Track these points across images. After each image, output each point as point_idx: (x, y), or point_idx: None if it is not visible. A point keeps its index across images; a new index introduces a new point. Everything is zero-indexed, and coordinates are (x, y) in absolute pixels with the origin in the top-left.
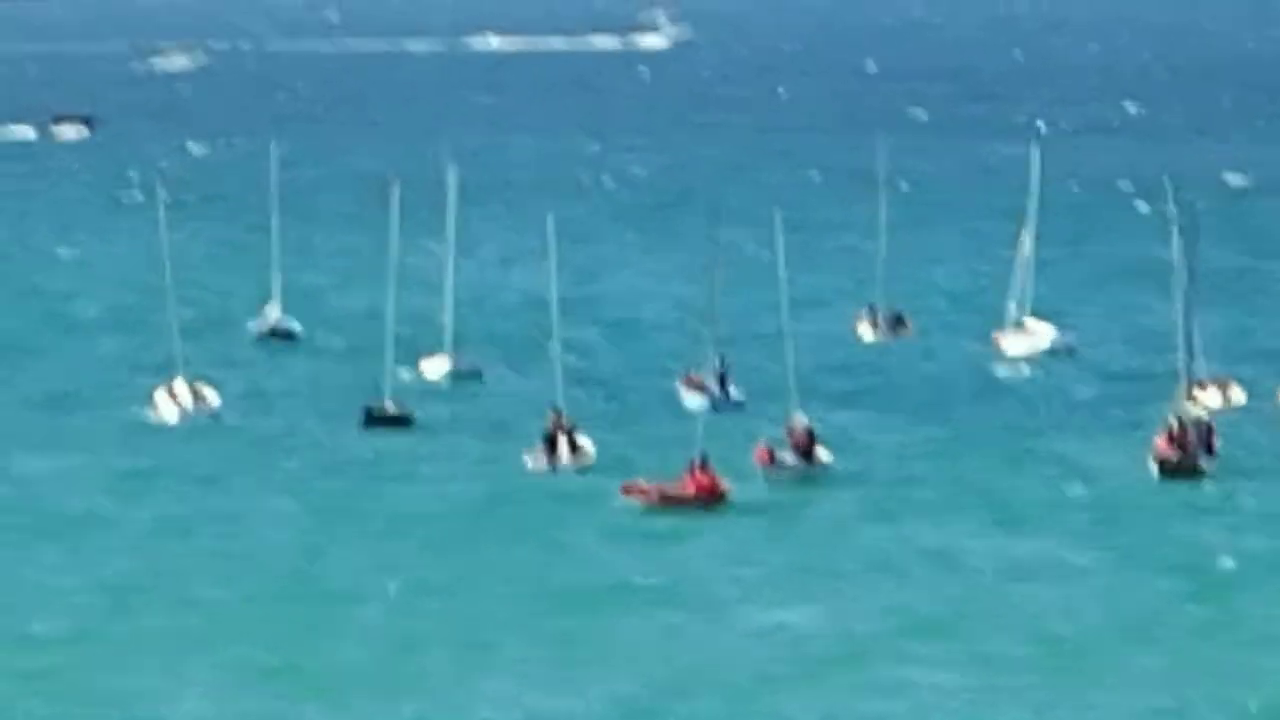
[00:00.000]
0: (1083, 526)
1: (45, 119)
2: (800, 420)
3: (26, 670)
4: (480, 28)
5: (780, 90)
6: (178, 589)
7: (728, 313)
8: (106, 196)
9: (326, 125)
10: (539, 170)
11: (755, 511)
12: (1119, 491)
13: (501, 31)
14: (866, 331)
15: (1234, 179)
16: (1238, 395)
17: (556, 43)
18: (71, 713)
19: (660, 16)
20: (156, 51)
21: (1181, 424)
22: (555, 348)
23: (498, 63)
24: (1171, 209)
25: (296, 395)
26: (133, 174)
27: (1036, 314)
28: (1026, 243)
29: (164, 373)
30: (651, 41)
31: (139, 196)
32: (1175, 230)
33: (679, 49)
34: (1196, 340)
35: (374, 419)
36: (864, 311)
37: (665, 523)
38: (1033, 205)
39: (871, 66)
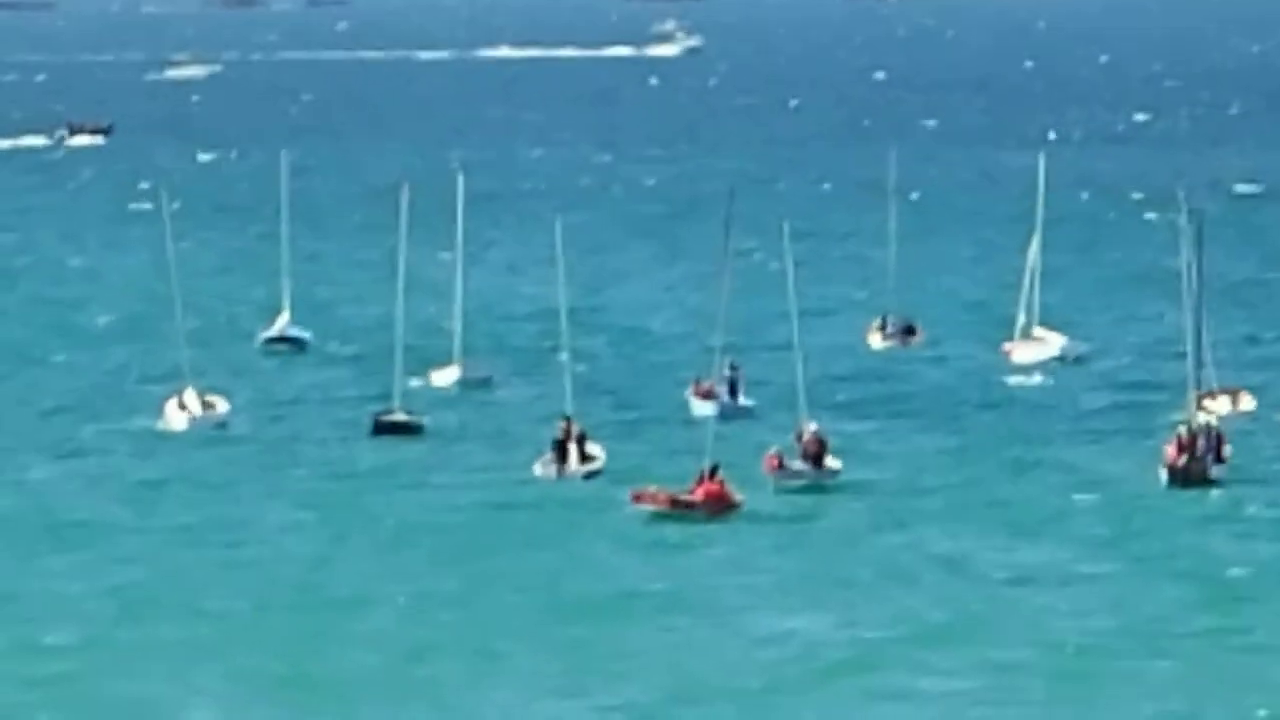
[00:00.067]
0: (1092, 534)
1: (59, 128)
2: (810, 428)
3: (36, 678)
4: (493, 39)
5: (791, 100)
6: (187, 597)
7: (738, 321)
8: (118, 205)
9: (337, 135)
10: (549, 180)
11: (765, 519)
12: (1129, 499)
13: (514, 42)
14: (876, 340)
15: (1243, 187)
16: (1247, 403)
17: (569, 53)
18: None
19: (671, 25)
20: (170, 62)
21: (1191, 432)
22: (565, 356)
23: (509, 73)
24: (1181, 217)
25: (306, 404)
26: (144, 183)
27: (1046, 323)
28: (1034, 251)
29: (174, 382)
30: (663, 51)
31: (150, 205)
32: (1185, 238)
33: (690, 59)
34: (1206, 348)
35: (383, 427)
36: (875, 320)
37: (675, 530)
38: (1040, 214)
39: (881, 76)
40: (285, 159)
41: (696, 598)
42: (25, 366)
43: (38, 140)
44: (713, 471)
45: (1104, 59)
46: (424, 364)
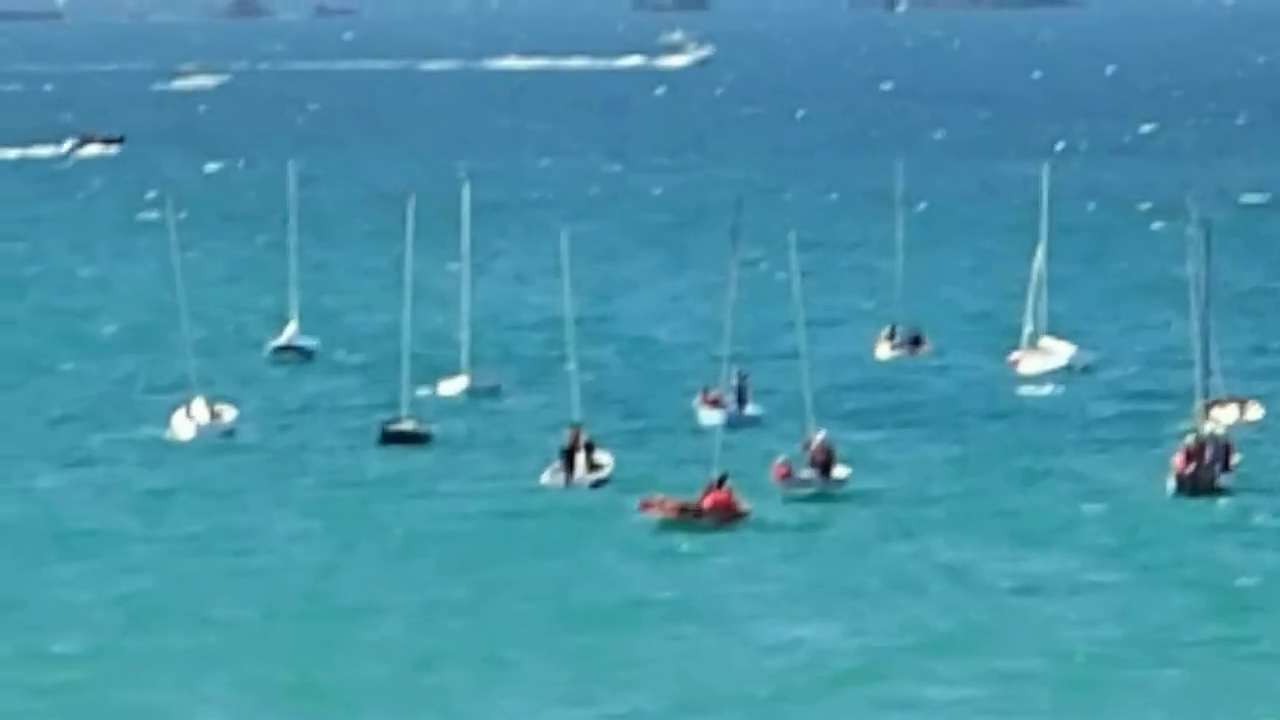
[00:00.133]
0: (1100, 543)
1: (70, 139)
2: (818, 437)
3: (44, 686)
4: (500, 49)
5: (798, 111)
6: (195, 606)
7: (745, 330)
8: (126, 215)
9: (344, 145)
10: (557, 189)
11: (773, 528)
12: (1136, 508)
13: (521, 53)
14: (884, 349)
15: (1250, 197)
16: (1255, 412)
17: (579, 63)
18: None
19: (678, 36)
20: (178, 72)
21: (1199, 441)
22: (573, 365)
23: (516, 83)
24: (1188, 227)
25: (313, 413)
26: (152, 193)
27: (1054, 332)
28: (1039, 261)
29: (181, 391)
30: (675, 61)
31: (158, 215)
32: (1192, 248)
33: (697, 69)
34: (1213, 357)
35: (391, 437)
36: (882, 330)
37: (683, 539)
38: (1044, 224)
39: (888, 86)
40: (293, 169)
41: (704, 606)
42: (33, 375)
43: (46, 150)
44: (721, 481)
45: (1110, 70)
46: (432, 373)
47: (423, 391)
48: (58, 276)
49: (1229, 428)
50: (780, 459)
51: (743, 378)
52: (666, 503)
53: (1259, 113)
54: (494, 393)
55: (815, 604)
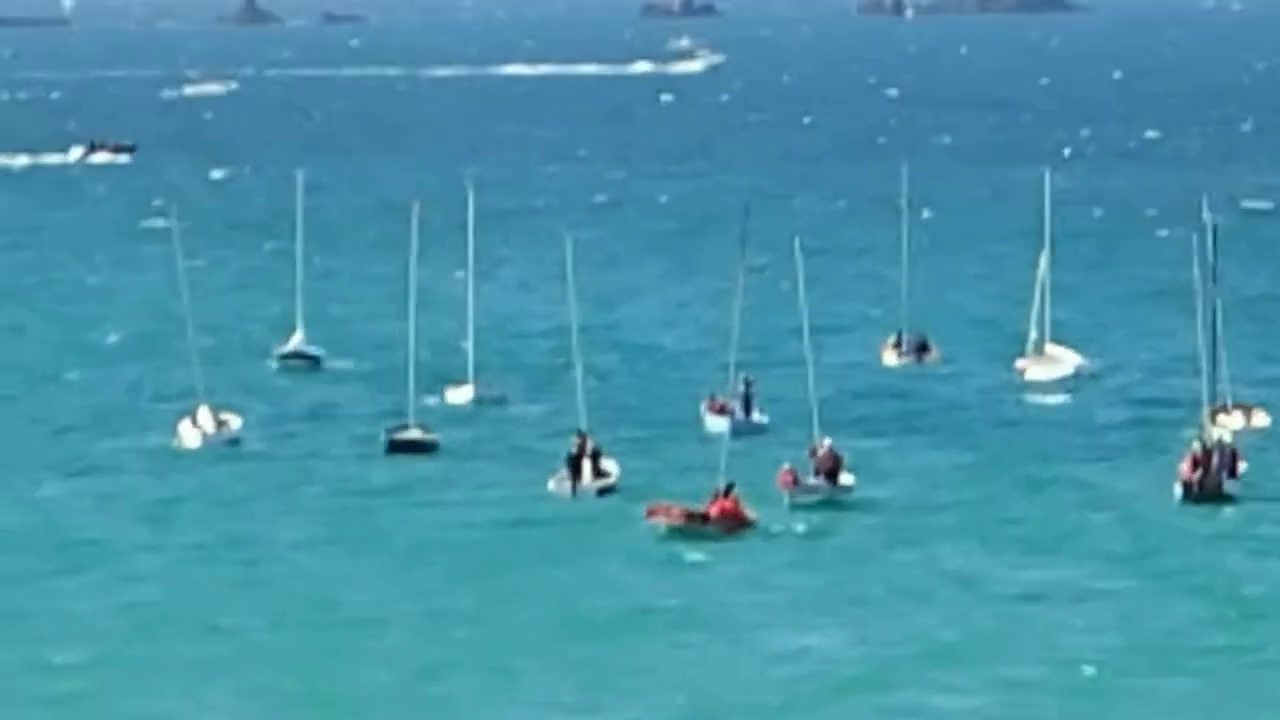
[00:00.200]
0: (1106, 551)
1: (81, 146)
2: (824, 444)
3: (50, 696)
4: (508, 56)
5: (805, 117)
6: (201, 615)
7: (752, 338)
8: (132, 223)
9: (351, 152)
10: (564, 196)
11: (779, 536)
12: (1143, 516)
13: (529, 60)
14: (891, 357)
15: (1257, 202)
16: (1261, 419)
17: (589, 69)
18: None
19: (686, 42)
20: (187, 79)
21: (1205, 448)
22: (579, 373)
23: (523, 90)
24: (1194, 233)
25: (320, 421)
26: (158, 200)
27: (1060, 339)
28: (1044, 267)
29: (187, 399)
30: (687, 68)
31: (165, 223)
32: (1198, 255)
33: (705, 75)
34: (1220, 364)
35: (398, 446)
36: (889, 337)
37: (689, 547)
38: (1048, 230)
39: (895, 93)
40: (300, 176)
41: (711, 614)
42: (39, 384)
43: (53, 157)
44: (727, 490)
45: (1117, 75)
46: (438, 381)
47: (429, 400)
48: (63, 284)
49: (1235, 434)
50: (786, 466)
51: (749, 385)
52: (673, 510)
53: (1266, 118)
54: (500, 401)
55: (821, 612)
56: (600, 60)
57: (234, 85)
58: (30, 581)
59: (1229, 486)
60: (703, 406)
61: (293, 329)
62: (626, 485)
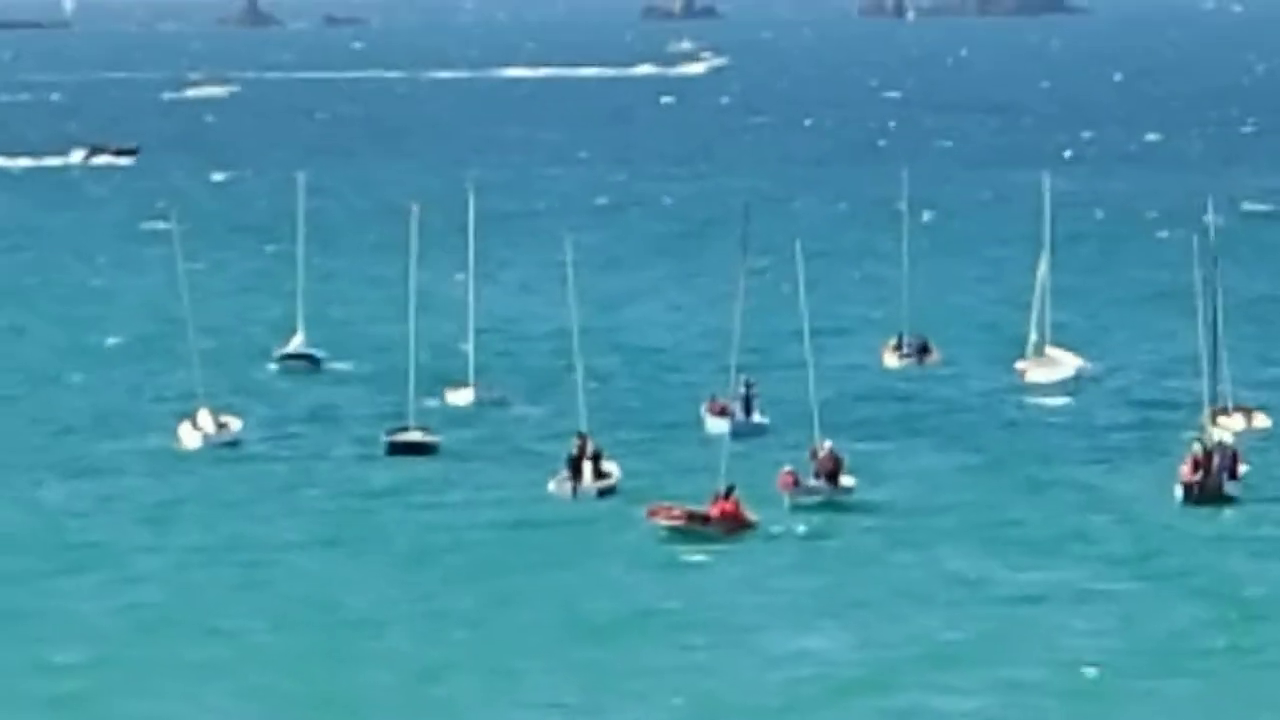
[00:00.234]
0: (1107, 553)
1: (83, 149)
2: (825, 446)
3: (51, 697)
4: (509, 59)
5: (805, 120)
6: (201, 616)
7: (753, 339)
8: (133, 225)
9: (353, 154)
10: (565, 199)
11: (780, 537)
12: (1143, 518)
13: (531, 62)
14: (892, 359)
15: (1257, 205)
16: (1261, 421)
17: (592, 72)
18: None
19: (687, 45)
20: (189, 81)
21: (1206, 449)
22: (580, 375)
23: (524, 92)
24: (1195, 235)
25: (320, 423)
26: (159, 202)
27: (1061, 341)
28: (1043, 269)
29: (188, 401)
30: (690, 70)
31: (166, 225)
32: (1199, 257)
33: (705, 78)
34: (1220, 366)
35: (398, 448)
36: (890, 339)
37: (690, 549)
38: (1047, 232)
39: (896, 95)
40: (302, 179)
41: (711, 616)
42: (40, 385)
43: (55, 160)
44: (728, 492)
45: (1118, 77)
46: (439, 383)
47: (430, 402)
48: (64, 286)
49: (1236, 436)
50: (787, 468)
51: (749, 386)
52: (674, 510)
53: (1266, 120)
54: (501, 402)
55: (822, 614)
56: (602, 63)
57: (236, 88)
58: (31, 582)
59: (1230, 488)
60: (703, 408)
61: (293, 331)
62: (627, 487)
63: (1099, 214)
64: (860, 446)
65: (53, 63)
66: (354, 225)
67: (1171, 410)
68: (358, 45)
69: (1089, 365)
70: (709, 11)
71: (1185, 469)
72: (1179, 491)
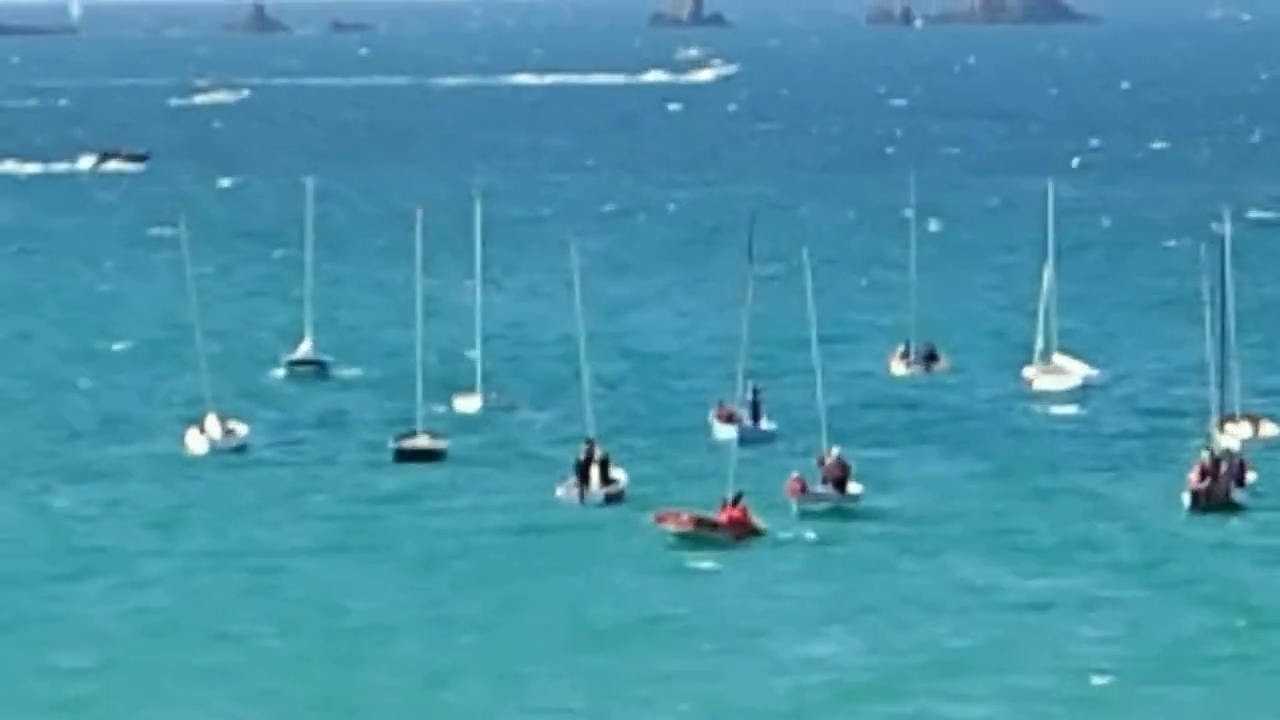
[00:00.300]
0: (1115, 560)
1: (93, 155)
2: (833, 452)
3: (58, 701)
4: (517, 65)
5: (813, 127)
6: (209, 621)
7: (760, 346)
8: (141, 230)
9: (360, 160)
10: (572, 205)
11: (788, 544)
12: (1151, 525)
13: (538, 69)
14: (899, 366)
15: (1265, 213)
16: (1269, 429)
17: (598, 80)
18: None
19: (695, 52)
20: (196, 88)
21: (1214, 457)
22: (587, 381)
23: (532, 99)
24: (1202, 243)
25: (328, 429)
26: (167, 208)
27: (1067, 349)
28: (1048, 277)
29: (195, 406)
30: (701, 76)
31: (173, 231)
32: (1207, 264)
33: (713, 86)
34: (1228, 374)
35: (406, 454)
36: (897, 346)
37: (697, 555)
38: (1051, 239)
39: (904, 102)
40: (310, 185)
41: (719, 622)
42: (49, 390)
43: (62, 165)
44: (736, 499)
45: (1125, 85)
46: (446, 389)
47: (437, 408)
48: (73, 291)
49: (1244, 444)
50: (794, 474)
51: (757, 393)
52: (682, 515)
53: (1273, 129)
54: (508, 408)
55: (830, 620)
56: (610, 70)
57: (245, 94)
58: (38, 586)
59: (1237, 496)
60: (711, 414)
61: (301, 336)
62: (634, 493)
63: (1106, 222)
64: (868, 453)
65: (60, 68)
66: (361, 231)
67: (1179, 418)
68: (364, 51)
69: (1096, 373)
70: (717, 19)
71: (1193, 476)
72: (1186, 499)
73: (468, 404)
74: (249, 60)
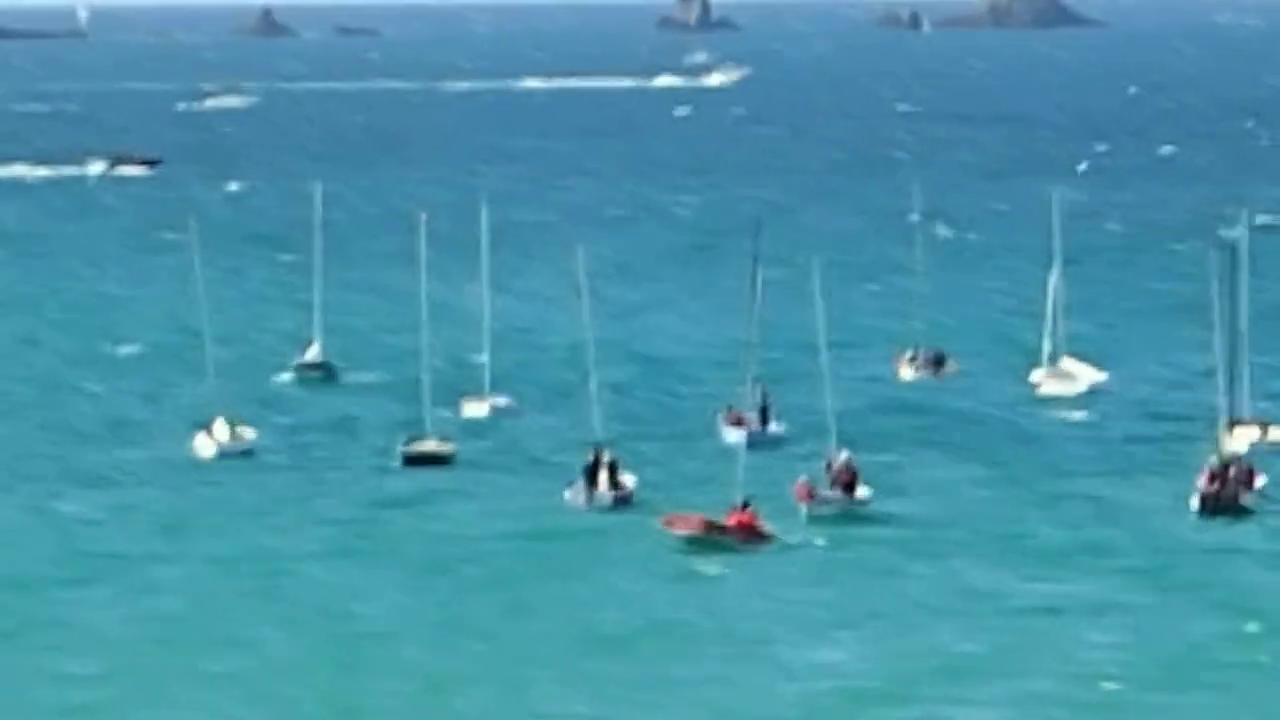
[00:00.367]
0: (1123, 565)
1: (105, 159)
2: (841, 456)
3: (66, 706)
4: (525, 70)
5: (819, 131)
6: (216, 626)
7: (768, 351)
8: (149, 235)
9: (367, 165)
10: (579, 209)
11: (796, 549)
12: (1159, 530)
13: (547, 73)
14: (907, 371)
15: (1272, 218)
16: (1278, 434)
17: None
18: None
19: (703, 57)
20: (206, 92)
21: (1223, 461)
22: (595, 385)
23: (538, 103)
24: (1210, 248)
25: (336, 433)
26: (175, 212)
27: (1075, 353)
28: (1054, 281)
29: (204, 410)
30: (712, 80)
31: (182, 235)
32: (1214, 269)
33: (725, 89)
34: (1236, 378)
35: (414, 459)
36: (905, 351)
37: (705, 560)
38: (1057, 244)
39: (911, 107)
40: (318, 189)
41: (727, 627)
42: (56, 394)
43: (71, 169)
44: (745, 504)
45: (1132, 90)
46: (454, 393)
47: (445, 412)
48: (80, 295)
49: (1252, 448)
50: (803, 478)
51: (766, 397)
52: (691, 518)
53: None
54: (516, 413)
55: (838, 625)
56: (620, 74)
57: (255, 99)
58: (45, 591)
59: (1246, 500)
60: (719, 418)
61: (310, 340)
62: (643, 497)
63: (1113, 226)
64: (876, 458)
65: (68, 72)
66: (369, 235)
67: (1187, 422)
68: (371, 56)
69: (1104, 377)
70: (725, 23)
71: (1202, 481)
72: (1195, 503)
73: (475, 408)
74: (256, 64)
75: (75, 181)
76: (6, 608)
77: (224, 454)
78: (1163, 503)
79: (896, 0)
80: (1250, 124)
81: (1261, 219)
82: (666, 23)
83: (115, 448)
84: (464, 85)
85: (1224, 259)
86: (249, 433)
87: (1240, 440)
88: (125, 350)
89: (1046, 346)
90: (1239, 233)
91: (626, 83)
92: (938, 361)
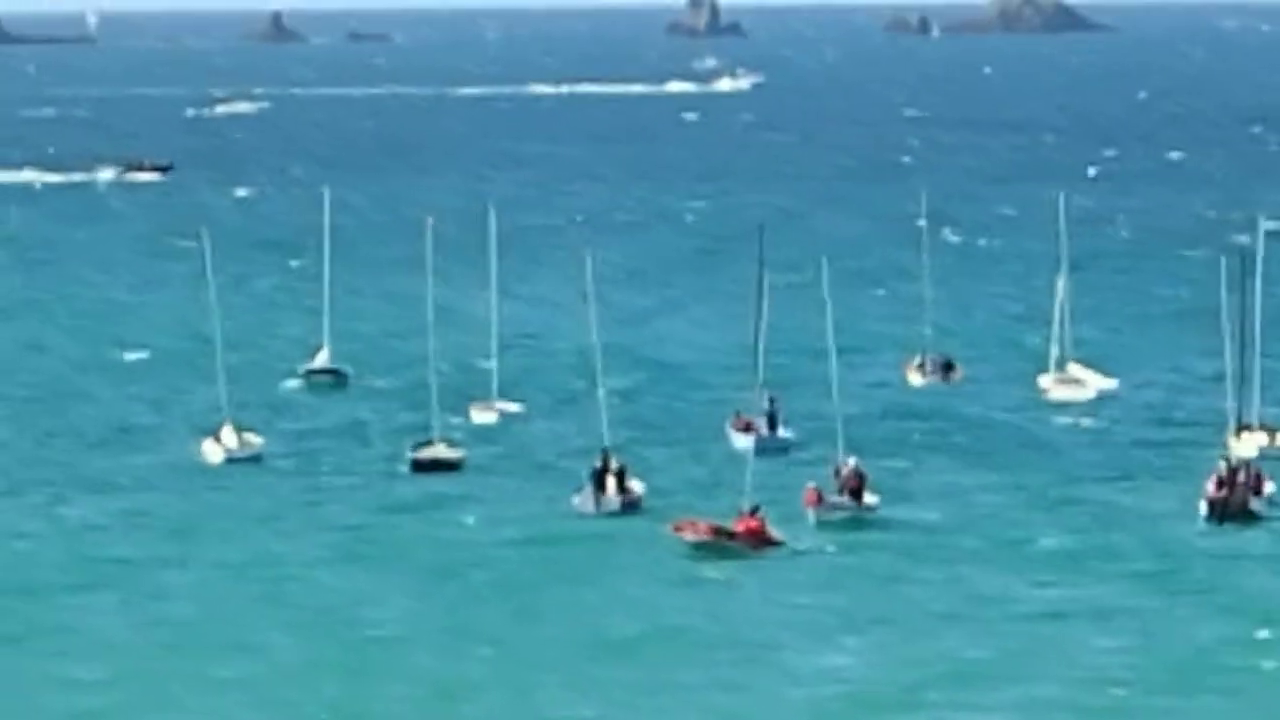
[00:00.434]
0: (1131, 570)
1: (117, 165)
2: (849, 462)
3: (74, 712)
4: (536, 76)
5: (828, 136)
6: (225, 631)
7: (777, 358)
8: (158, 240)
9: (377, 170)
10: (588, 215)
11: (804, 554)
12: (1168, 535)
13: (556, 79)
14: (915, 376)
15: (1273, 224)
16: None
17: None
18: None
19: (712, 62)
20: (216, 98)
21: (1231, 467)
22: (603, 390)
23: (548, 108)
24: (1219, 253)
25: (344, 439)
26: (184, 218)
27: (1084, 359)
28: (1061, 286)
29: (213, 416)
30: (726, 86)
31: (190, 241)
32: (1223, 274)
33: (731, 95)
34: (1245, 383)
35: (422, 465)
36: (913, 357)
37: (713, 566)
38: (1064, 249)
39: (920, 112)
40: (327, 195)
41: (735, 633)
42: (64, 400)
43: (80, 175)
44: (754, 510)
45: (1142, 95)
46: (462, 399)
47: (453, 418)
48: (89, 300)
49: (1261, 453)
50: (811, 484)
51: (774, 402)
52: (700, 524)
53: None
54: (524, 418)
55: (846, 631)
56: (629, 80)
57: (264, 104)
58: (53, 597)
59: (1255, 505)
60: (728, 424)
61: (318, 346)
62: (651, 503)
63: (1122, 231)
64: (884, 463)
65: (77, 78)
66: (378, 240)
67: (1195, 427)
68: (381, 61)
69: (1112, 382)
70: (734, 29)
71: (1210, 486)
72: (1203, 508)
73: (484, 414)
74: (266, 70)
75: (85, 187)
76: (14, 612)
77: (232, 459)
78: (1171, 508)
79: (906, 5)
80: (1259, 129)
81: (1270, 225)
82: (675, 28)
83: (123, 453)
84: (474, 90)
85: (1232, 264)
86: (257, 438)
87: (1249, 445)
88: (134, 356)
89: (1054, 352)
90: (1247, 238)
91: (637, 88)
92: (946, 367)
